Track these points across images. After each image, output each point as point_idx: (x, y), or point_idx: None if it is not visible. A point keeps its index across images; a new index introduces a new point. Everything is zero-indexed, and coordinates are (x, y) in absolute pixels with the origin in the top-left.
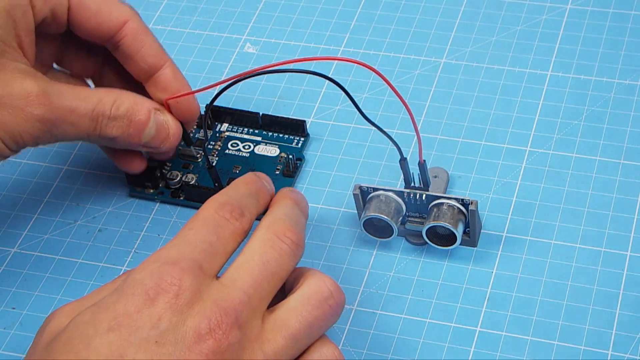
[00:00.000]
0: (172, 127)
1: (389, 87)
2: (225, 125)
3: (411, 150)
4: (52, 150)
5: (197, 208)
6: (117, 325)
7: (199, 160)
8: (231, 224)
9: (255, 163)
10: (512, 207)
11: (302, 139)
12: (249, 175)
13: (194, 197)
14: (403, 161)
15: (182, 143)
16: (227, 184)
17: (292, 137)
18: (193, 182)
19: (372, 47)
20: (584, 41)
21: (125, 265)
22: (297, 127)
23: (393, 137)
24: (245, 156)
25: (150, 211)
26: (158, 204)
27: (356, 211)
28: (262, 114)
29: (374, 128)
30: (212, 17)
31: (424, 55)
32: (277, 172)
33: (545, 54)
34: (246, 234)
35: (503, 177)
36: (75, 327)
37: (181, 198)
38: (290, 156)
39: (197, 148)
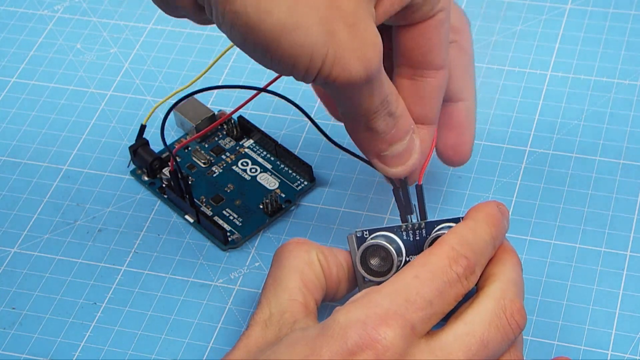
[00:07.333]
0: (414, 156)
1: None
2: (250, 142)
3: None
4: (52, 150)
5: (180, 210)
6: None
7: (205, 165)
8: (459, 284)
9: (247, 189)
10: (512, 207)
11: (307, 183)
12: (495, 212)
13: (171, 199)
14: (397, 190)
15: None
16: (212, 200)
17: (299, 178)
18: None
19: None
20: (584, 41)
21: (125, 265)
22: (303, 168)
23: None
24: (245, 179)
25: (150, 211)
26: (158, 202)
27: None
28: (278, 144)
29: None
30: None
31: None
32: (261, 207)
33: (545, 54)
34: (489, 294)
35: (503, 177)
36: (280, 349)
37: (165, 196)
38: (283, 195)
39: (212, 153)
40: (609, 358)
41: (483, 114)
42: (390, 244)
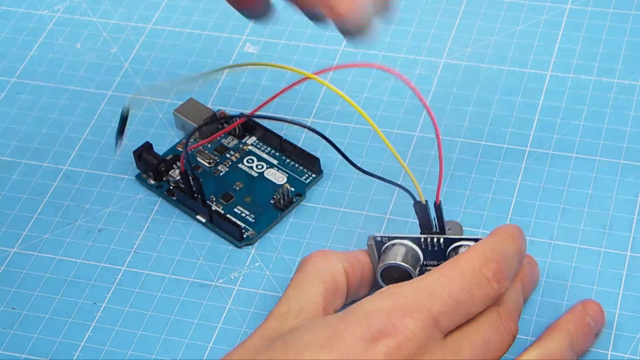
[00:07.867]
0: None
1: (410, 89)
2: (252, 139)
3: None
4: (53, 150)
5: (189, 210)
6: (329, 346)
7: (210, 165)
8: (488, 287)
9: (257, 185)
10: (512, 207)
11: (315, 175)
12: (515, 230)
13: (180, 200)
14: (417, 205)
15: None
16: (222, 198)
17: (306, 172)
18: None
19: (372, 47)
20: (584, 41)
21: (125, 265)
22: (309, 161)
23: (393, 138)
24: (253, 175)
25: (150, 211)
26: (159, 203)
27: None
28: (283, 139)
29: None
30: (212, 17)
31: (423, 55)
32: (272, 202)
33: (545, 54)
34: (495, 301)
35: (503, 177)
36: (300, 331)
37: (174, 198)
38: (292, 189)
39: (215, 153)
40: (609, 358)
41: (483, 114)
42: (406, 258)
